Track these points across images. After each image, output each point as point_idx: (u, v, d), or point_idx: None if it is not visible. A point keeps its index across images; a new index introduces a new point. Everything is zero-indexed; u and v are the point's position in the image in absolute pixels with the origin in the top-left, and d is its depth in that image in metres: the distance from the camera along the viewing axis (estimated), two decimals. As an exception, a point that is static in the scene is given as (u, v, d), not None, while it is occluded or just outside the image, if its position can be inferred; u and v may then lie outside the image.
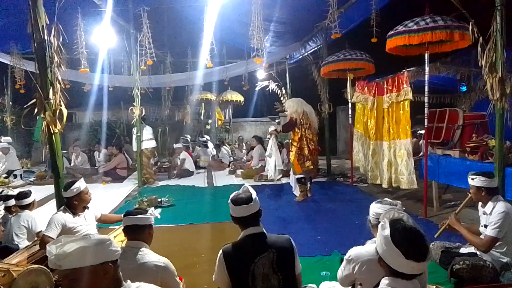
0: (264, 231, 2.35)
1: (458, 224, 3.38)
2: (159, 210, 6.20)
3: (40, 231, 3.90)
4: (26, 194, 4.07)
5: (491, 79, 4.19)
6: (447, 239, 3.75)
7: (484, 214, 3.26)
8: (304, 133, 6.85)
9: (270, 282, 2.19)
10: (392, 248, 1.61)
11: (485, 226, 3.18)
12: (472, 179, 3.26)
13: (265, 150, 9.55)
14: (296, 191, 7.20)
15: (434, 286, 3.00)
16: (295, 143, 6.91)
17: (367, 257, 2.25)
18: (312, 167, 6.99)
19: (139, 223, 2.38)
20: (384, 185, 6.61)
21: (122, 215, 2.62)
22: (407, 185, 6.10)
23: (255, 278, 2.17)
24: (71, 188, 3.48)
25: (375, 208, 2.44)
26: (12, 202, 4.11)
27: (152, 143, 9.14)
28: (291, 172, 7.45)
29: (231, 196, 2.39)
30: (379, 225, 1.73)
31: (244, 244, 2.27)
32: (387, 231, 1.65)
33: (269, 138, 7.57)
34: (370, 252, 2.26)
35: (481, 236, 3.22)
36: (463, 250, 3.47)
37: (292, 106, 6.92)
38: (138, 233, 2.39)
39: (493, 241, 3.04)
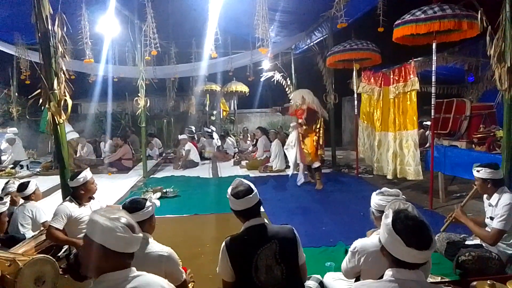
0: (266, 222, 2.34)
1: (465, 217, 3.35)
2: (158, 194, 6.30)
3: (46, 221, 3.92)
4: (25, 185, 4.06)
5: (500, 69, 4.12)
6: (453, 231, 3.73)
7: (489, 206, 3.23)
8: (322, 123, 7.06)
9: (274, 273, 2.18)
10: (393, 236, 1.60)
11: (491, 218, 3.15)
12: (478, 171, 3.23)
13: (270, 141, 9.55)
14: (300, 181, 7.32)
15: (440, 278, 3.00)
16: (313, 134, 7.03)
17: (373, 248, 2.24)
18: (323, 155, 7.34)
19: (137, 220, 2.33)
20: (389, 176, 6.57)
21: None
22: (414, 176, 6.05)
23: (258, 269, 2.17)
24: (78, 177, 3.50)
25: (376, 199, 2.42)
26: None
27: (74, 134, 9.09)
28: (300, 163, 7.45)
29: (229, 191, 2.34)
30: (383, 215, 1.71)
31: (247, 235, 2.26)
32: (389, 219, 1.64)
33: (291, 132, 7.54)
34: (375, 244, 2.24)
35: (487, 229, 3.20)
36: (468, 241, 3.44)
37: (309, 98, 7.06)
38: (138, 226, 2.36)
39: (500, 234, 3.02)
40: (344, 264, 2.43)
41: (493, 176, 3.16)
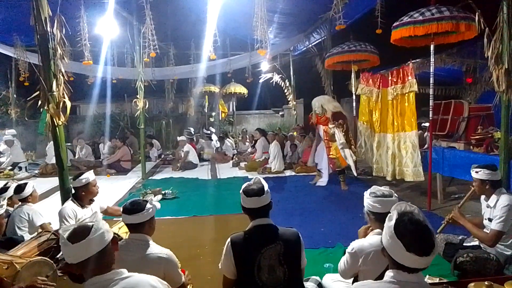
0: (272, 223, 2.35)
1: (463, 219, 3.34)
2: (159, 197, 6.30)
3: (43, 223, 3.92)
4: (22, 187, 4.06)
5: (497, 71, 4.15)
6: (451, 232, 3.73)
7: (488, 207, 3.23)
8: (347, 125, 7.26)
9: (276, 274, 2.19)
10: (394, 240, 1.59)
11: (490, 219, 3.16)
12: (476, 172, 3.23)
13: (268, 142, 9.56)
14: (322, 183, 7.44)
15: (438, 279, 3.00)
16: (335, 141, 7.20)
17: (370, 249, 2.25)
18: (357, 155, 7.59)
19: (137, 221, 2.34)
20: (388, 178, 6.57)
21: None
22: (413, 177, 6.06)
23: (261, 269, 2.17)
24: (80, 178, 3.56)
25: (369, 201, 2.38)
26: (9, 193, 4.09)
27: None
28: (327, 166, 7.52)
29: (243, 186, 2.37)
30: (387, 216, 1.71)
31: (252, 234, 2.27)
32: (392, 222, 1.63)
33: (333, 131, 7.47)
34: (373, 244, 2.25)
35: (485, 230, 3.21)
36: (466, 242, 3.45)
37: (333, 106, 7.35)
38: (138, 227, 2.35)
39: (499, 235, 3.03)
40: (342, 264, 2.43)
41: (491, 177, 3.17)
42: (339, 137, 7.13)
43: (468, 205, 3.75)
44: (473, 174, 3.27)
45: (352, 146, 7.32)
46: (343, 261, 2.43)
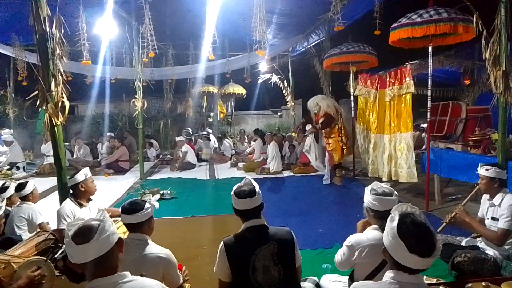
0: (265, 223, 2.36)
1: (469, 216, 3.35)
2: (157, 196, 6.30)
3: (42, 222, 3.92)
4: (23, 185, 4.05)
5: (495, 72, 4.17)
6: (449, 233, 3.75)
7: (491, 206, 3.24)
8: (340, 125, 7.62)
9: (271, 274, 2.20)
10: (397, 240, 1.60)
11: (493, 218, 3.18)
12: (486, 169, 3.25)
13: (264, 143, 9.60)
14: (328, 180, 7.67)
15: (435, 279, 3.01)
16: (333, 135, 7.58)
17: (367, 243, 2.30)
18: (349, 152, 7.91)
19: (136, 221, 2.34)
20: (384, 179, 6.58)
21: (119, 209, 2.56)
22: (407, 178, 6.08)
23: (256, 269, 2.18)
24: (78, 173, 3.62)
25: (369, 198, 2.40)
26: (8, 193, 4.08)
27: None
28: (327, 162, 7.76)
29: (234, 188, 2.38)
30: (389, 217, 1.72)
31: (245, 236, 2.28)
32: (395, 223, 1.65)
33: (307, 136, 7.82)
34: (370, 238, 2.31)
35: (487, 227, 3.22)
36: (464, 243, 3.47)
37: (327, 105, 7.61)
38: (137, 227, 2.36)
39: (507, 234, 3.05)
40: (339, 256, 2.48)
41: (500, 175, 3.20)
42: (307, 143, 7.62)
43: (466, 206, 3.76)
44: (482, 172, 3.28)
45: (344, 146, 7.61)
46: (339, 254, 2.48)
